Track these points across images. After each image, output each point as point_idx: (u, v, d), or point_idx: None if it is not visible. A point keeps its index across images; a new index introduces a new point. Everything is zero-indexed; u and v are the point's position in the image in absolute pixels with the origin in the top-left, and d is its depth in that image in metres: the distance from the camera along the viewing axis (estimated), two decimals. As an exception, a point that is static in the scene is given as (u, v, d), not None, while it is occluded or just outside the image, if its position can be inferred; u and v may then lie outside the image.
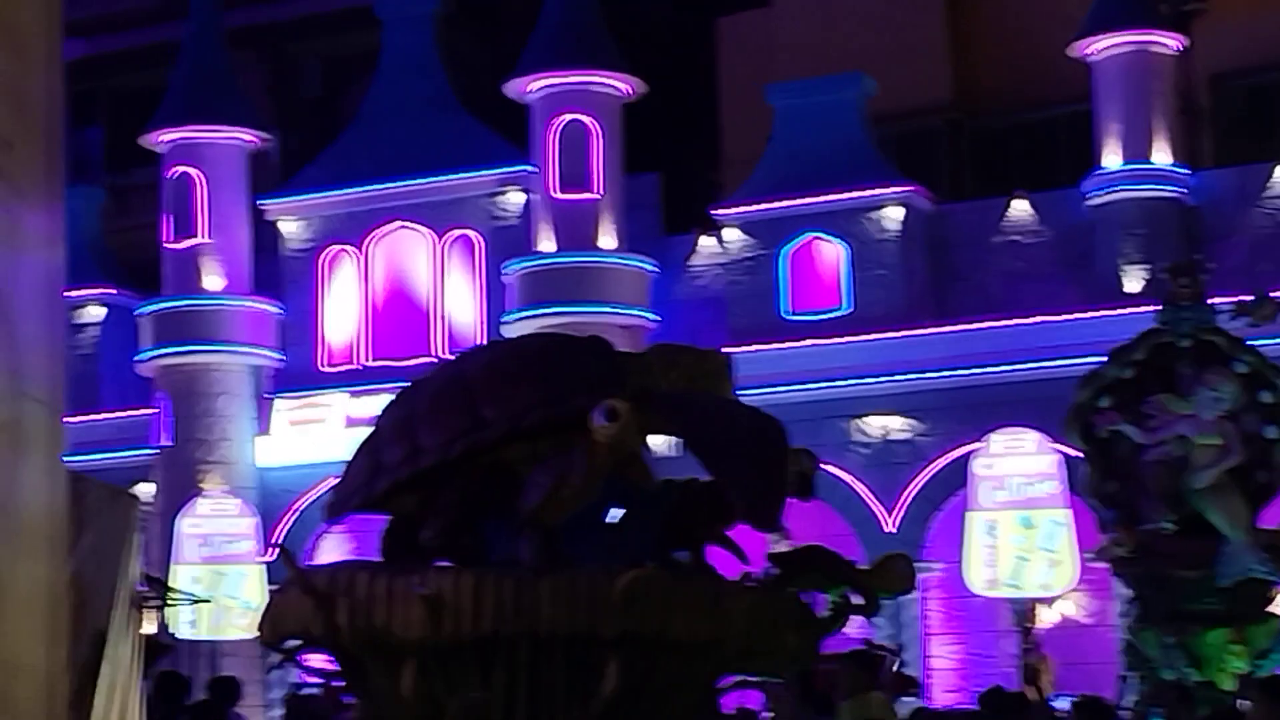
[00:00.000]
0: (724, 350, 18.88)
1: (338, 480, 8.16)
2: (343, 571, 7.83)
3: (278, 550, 7.90)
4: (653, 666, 7.29)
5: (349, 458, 8.35)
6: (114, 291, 22.92)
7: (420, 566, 7.51)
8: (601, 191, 20.32)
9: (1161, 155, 19.61)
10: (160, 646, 4.94)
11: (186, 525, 19.83)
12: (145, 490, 21.58)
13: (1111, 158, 19.61)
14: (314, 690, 15.89)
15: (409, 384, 9.19)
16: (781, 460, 7.26)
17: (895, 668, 15.38)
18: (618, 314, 19.30)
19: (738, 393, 19.51)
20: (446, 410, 7.56)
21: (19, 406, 3.31)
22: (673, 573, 7.46)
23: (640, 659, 7.20)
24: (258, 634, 8.26)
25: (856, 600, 8.40)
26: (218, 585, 19.45)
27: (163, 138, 21.96)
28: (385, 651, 7.49)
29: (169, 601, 5.82)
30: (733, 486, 7.34)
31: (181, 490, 20.64)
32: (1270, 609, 14.30)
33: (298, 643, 7.81)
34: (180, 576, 19.70)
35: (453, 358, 8.22)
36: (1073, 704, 13.40)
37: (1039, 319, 18.79)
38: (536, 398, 7.49)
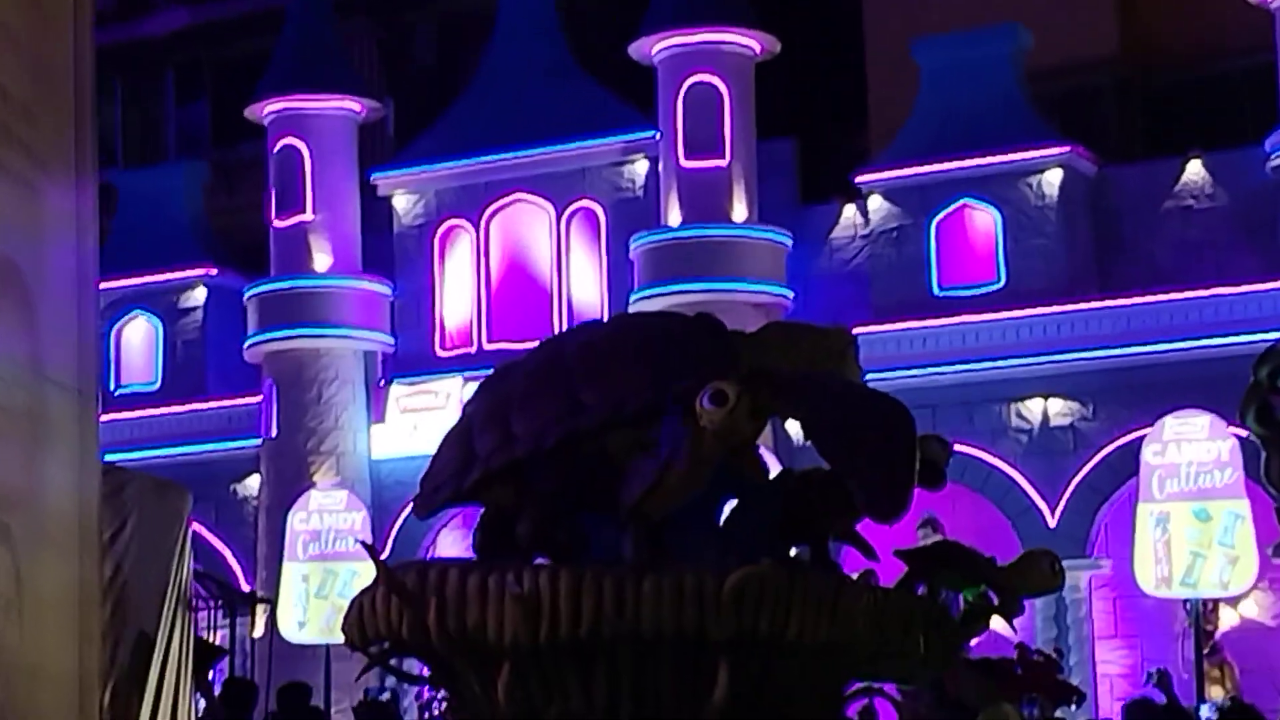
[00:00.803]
0: (859, 328, 18.88)
1: (425, 473, 8.19)
2: (432, 569, 7.83)
3: (364, 547, 7.91)
4: (768, 671, 7.21)
5: (437, 447, 8.39)
6: (218, 273, 23.16)
7: (515, 563, 7.49)
8: (732, 158, 20.23)
9: (1351, 111, 19.18)
10: (213, 650, 4.90)
11: (296, 521, 19.98)
12: (252, 484, 21.87)
13: (1298, 114, 19.23)
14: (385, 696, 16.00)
15: (502, 366, 9.20)
16: (907, 448, 7.14)
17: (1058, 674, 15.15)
18: (752, 291, 19.22)
19: (879, 374, 19.64)
20: (542, 395, 7.52)
21: (41, 393, 3.31)
22: (789, 570, 7.38)
23: (754, 663, 7.12)
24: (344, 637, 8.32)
25: (995, 601, 8.32)
26: (328, 584, 19.53)
27: (268, 109, 22.20)
28: (478, 655, 7.48)
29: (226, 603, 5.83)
30: (852, 476, 7.24)
31: (290, 483, 20.84)
32: None
33: (383, 646, 7.84)
34: (289, 575, 19.92)
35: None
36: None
37: (1214, 291, 18.48)
38: (640, 381, 7.42)
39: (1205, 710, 13.37)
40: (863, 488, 7.18)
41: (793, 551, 7.74)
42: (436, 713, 13.62)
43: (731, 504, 7.87)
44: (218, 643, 21.45)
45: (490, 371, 8.46)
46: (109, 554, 3.77)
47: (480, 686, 7.41)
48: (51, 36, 3.50)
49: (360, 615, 8.01)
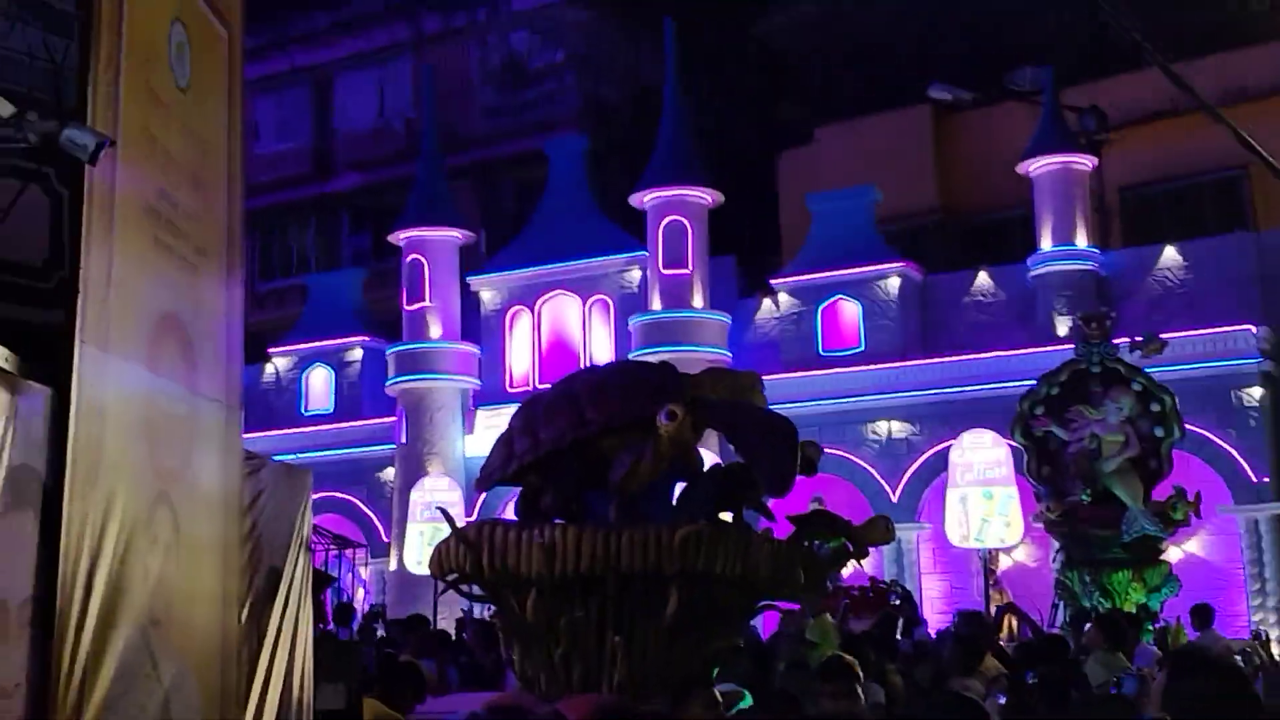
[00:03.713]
0: (771, 377, 18.30)
1: (482, 465, 7.89)
2: (486, 527, 7.54)
3: (442, 513, 7.59)
4: (702, 595, 6.94)
5: (490, 448, 8.05)
6: (370, 339, 23.00)
7: (540, 524, 7.21)
8: (694, 268, 20.01)
9: (1081, 240, 19.00)
10: (325, 578, 4.70)
11: (415, 496, 19.69)
12: (389, 473, 21.63)
13: (1046, 242, 19.05)
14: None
15: (533, 396, 8.85)
16: (791, 449, 6.89)
17: (896, 599, 14.82)
18: (705, 352, 18.98)
19: (783, 405, 18.98)
20: (559, 413, 7.26)
21: (195, 405, 3.11)
22: (717, 528, 7.11)
23: (693, 589, 6.86)
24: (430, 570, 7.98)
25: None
26: (436, 537, 19.34)
27: (404, 236, 22.00)
28: (515, 584, 7.19)
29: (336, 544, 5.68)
30: (757, 467, 6.98)
31: (413, 473, 20.56)
32: (1160, 557, 13.81)
33: (455, 576, 7.52)
34: (411, 531, 19.67)
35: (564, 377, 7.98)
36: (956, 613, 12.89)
37: (995, 354, 18.32)
38: (622, 404, 7.17)
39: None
40: (763, 475, 6.92)
41: (724, 515, 7.45)
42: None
43: (682, 485, 7.57)
44: (362, 576, 21.29)
45: (528, 399, 8.14)
46: (248, 513, 3.53)
47: (516, 604, 7.12)
48: (209, 163, 3.29)
49: (439, 556, 7.70)
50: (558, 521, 7.27)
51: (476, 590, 7.66)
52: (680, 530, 6.86)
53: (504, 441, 7.58)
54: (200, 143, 3.20)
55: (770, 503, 9.79)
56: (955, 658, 7.07)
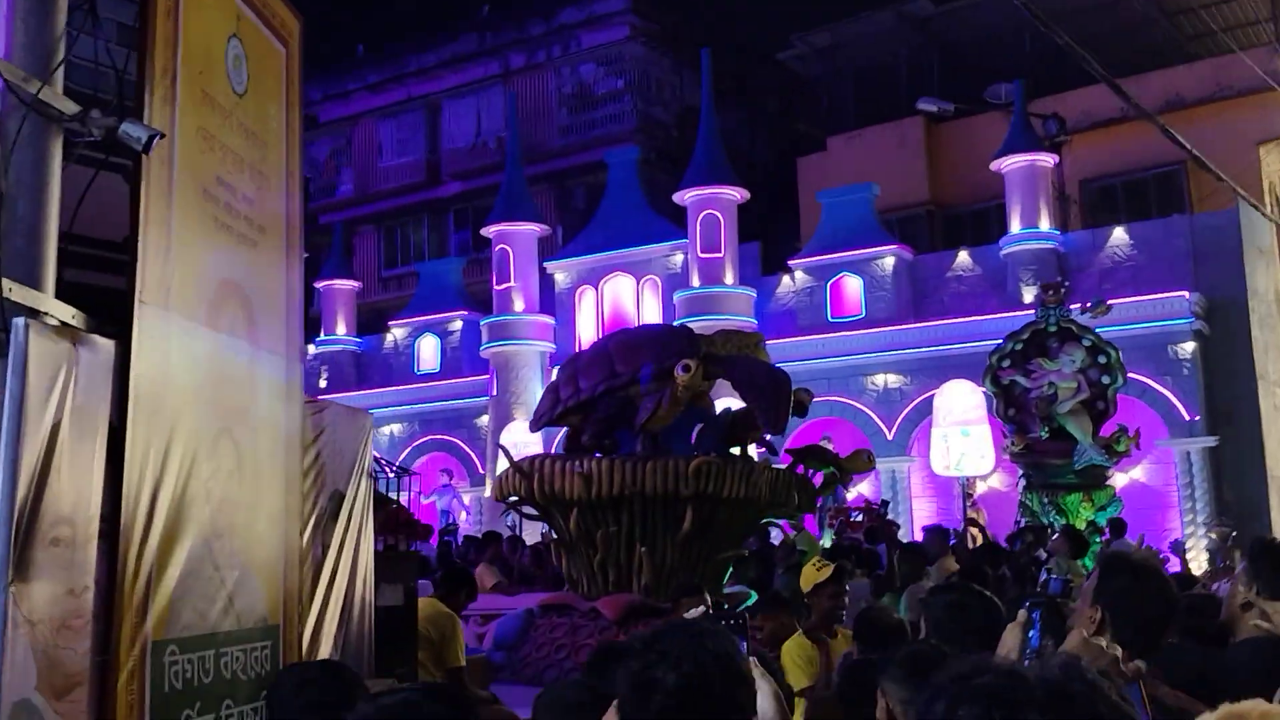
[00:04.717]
0: (792, 339, 17.88)
1: (537, 406, 7.72)
2: (538, 459, 7.42)
3: (502, 450, 7.53)
4: (712, 514, 6.80)
5: (540, 396, 7.84)
6: (468, 313, 22.95)
7: (581, 457, 7.07)
8: (725, 252, 19.71)
9: (1044, 224, 18.44)
10: (383, 500, 4.58)
11: (504, 438, 19.61)
12: (484, 420, 21.61)
13: (1015, 226, 18.51)
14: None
15: (576, 354, 8.66)
16: (786, 395, 6.70)
17: (885, 515, 14.50)
18: (735, 320, 18.64)
19: (802, 361, 18.48)
20: (595, 367, 7.13)
21: (256, 357, 3.00)
22: (725, 459, 6.94)
23: (705, 509, 6.72)
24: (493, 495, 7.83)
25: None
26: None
27: (494, 229, 21.90)
28: (560, 505, 7.09)
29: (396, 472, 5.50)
30: (758, 410, 6.80)
31: (502, 419, 20.53)
32: (1107, 483, 13.46)
33: (515, 499, 7.42)
34: (500, 466, 19.63)
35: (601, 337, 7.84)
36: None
37: (972, 319, 17.83)
38: (647, 359, 7.02)
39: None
40: (763, 416, 6.73)
41: (734, 450, 7.27)
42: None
43: (699, 426, 7.40)
44: (465, 502, 21.38)
45: (570, 356, 7.94)
46: (313, 446, 3.42)
47: (562, 521, 7.03)
48: (268, 157, 3.17)
49: (500, 483, 7.59)
50: (596, 455, 7.16)
51: (530, 510, 7.57)
52: (694, 461, 6.72)
53: (551, 390, 7.48)
54: (259, 141, 3.09)
55: (788, 442, 9.41)
56: (905, 564, 6.94)
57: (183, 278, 2.66)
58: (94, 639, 2.30)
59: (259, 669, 2.91)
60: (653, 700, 1.52)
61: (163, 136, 2.42)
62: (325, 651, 3.28)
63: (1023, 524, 13.38)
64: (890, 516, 14.64)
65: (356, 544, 3.66)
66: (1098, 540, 12.11)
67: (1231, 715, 1.27)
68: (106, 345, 2.40)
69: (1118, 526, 11.87)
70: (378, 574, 3.81)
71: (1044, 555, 9.77)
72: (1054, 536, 10.43)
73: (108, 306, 2.53)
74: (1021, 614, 2.21)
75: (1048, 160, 18.89)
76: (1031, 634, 2.10)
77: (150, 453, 2.52)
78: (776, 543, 9.90)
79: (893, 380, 18.65)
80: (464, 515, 21.23)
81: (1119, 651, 2.04)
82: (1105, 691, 0.95)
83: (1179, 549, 13.65)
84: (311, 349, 24.27)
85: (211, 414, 2.76)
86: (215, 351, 2.80)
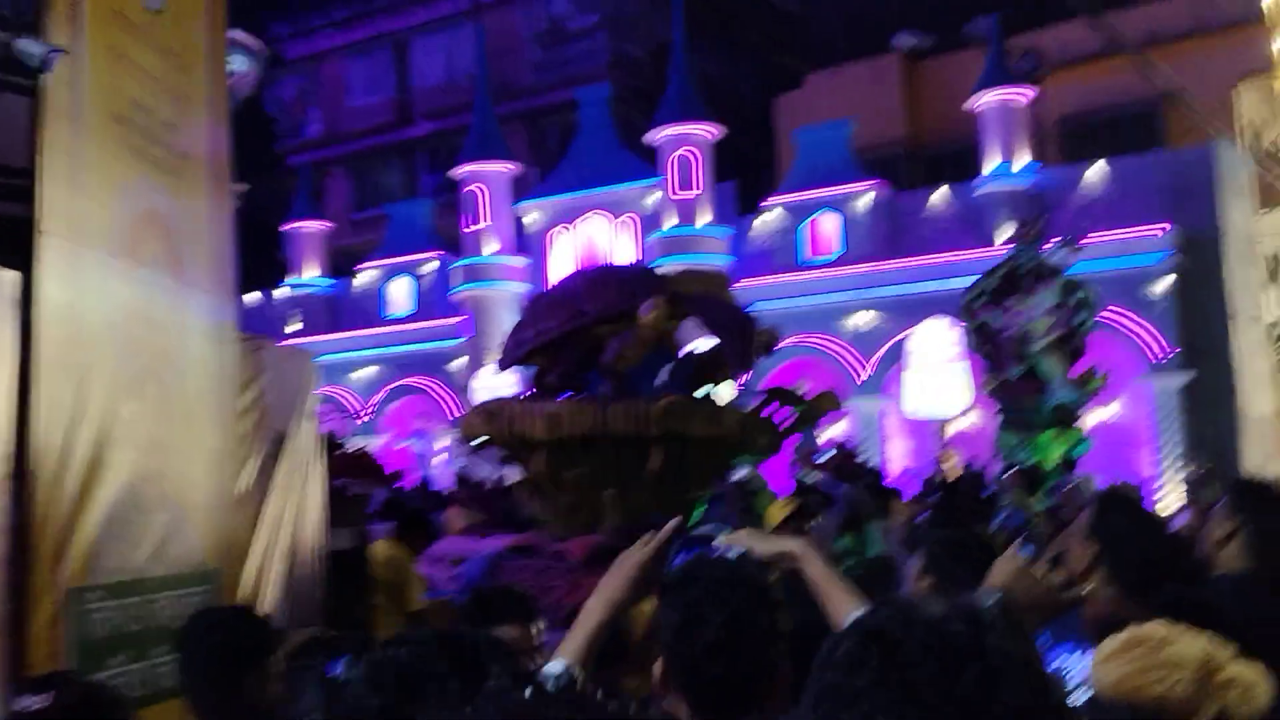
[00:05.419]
0: (766, 279, 17.83)
1: (501, 346, 7.61)
2: (504, 401, 7.32)
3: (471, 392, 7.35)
4: (681, 453, 6.73)
5: (506, 336, 7.74)
6: (440, 255, 22.66)
7: (547, 398, 6.98)
8: (701, 191, 19.48)
9: (1020, 162, 18.30)
10: (335, 442, 4.48)
11: (476, 383, 19.55)
12: (460, 362, 21.44)
13: (991, 164, 18.35)
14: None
15: (540, 292, 8.53)
16: (751, 334, 6.61)
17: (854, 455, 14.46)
18: (711, 260, 18.48)
19: (776, 300, 18.36)
20: (561, 305, 7.00)
21: (182, 294, 2.87)
22: (691, 399, 6.86)
23: (673, 449, 6.65)
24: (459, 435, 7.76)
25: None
26: (497, 413, 19.43)
27: (465, 170, 21.55)
28: (527, 445, 6.99)
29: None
30: (724, 349, 6.72)
31: (476, 363, 20.38)
32: (1077, 422, 13.49)
33: (481, 440, 7.32)
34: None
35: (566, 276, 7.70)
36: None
37: (947, 258, 17.72)
38: (612, 298, 6.90)
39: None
40: (730, 355, 6.65)
41: (701, 390, 7.20)
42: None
43: (668, 366, 7.29)
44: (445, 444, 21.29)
45: (535, 295, 7.82)
46: (251, 385, 3.29)
47: (529, 462, 6.95)
48: (189, 79, 3.00)
49: (465, 426, 7.50)
50: (563, 396, 7.07)
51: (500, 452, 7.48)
52: (661, 401, 6.64)
53: (516, 330, 7.35)
54: (180, 63, 2.92)
55: (763, 384, 9.33)
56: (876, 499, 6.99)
57: (94, 208, 2.51)
58: (4, 585, 2.20)
59: (195, 615, 2.84)
60: (699, 636, 1.58)
61: (64, 53, 2.27)
62: (270, 596, 3.20)
63: (996, 458, 13.43)
64: (861, 459, 14.64)
65: (303, 486, 3.55)
66: (1068, 478, 12.17)
67: (1134, 640, 1.33)
68: (9, 277, 2.27)
69: (1068, 463, 11.93)
70: (328, 518, 3.72)
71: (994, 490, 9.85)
72: (1010, 471, 10.53)
73: (12, 237, 2.39)
74: (1012, 548, 2.18)
75: (1022, 96, 18.71)
76: None
77: (64, 390, 2.40)
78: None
79: (869, 320, 18.55)
80: (443, 457, 21.18)
81: (1055, 580, 2.00)
82: (995, 636, 0.87)
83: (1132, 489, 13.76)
84: (285, 291, 23.99)
85: (134, 352, 2.63)
86: (135, 287, 2.66)
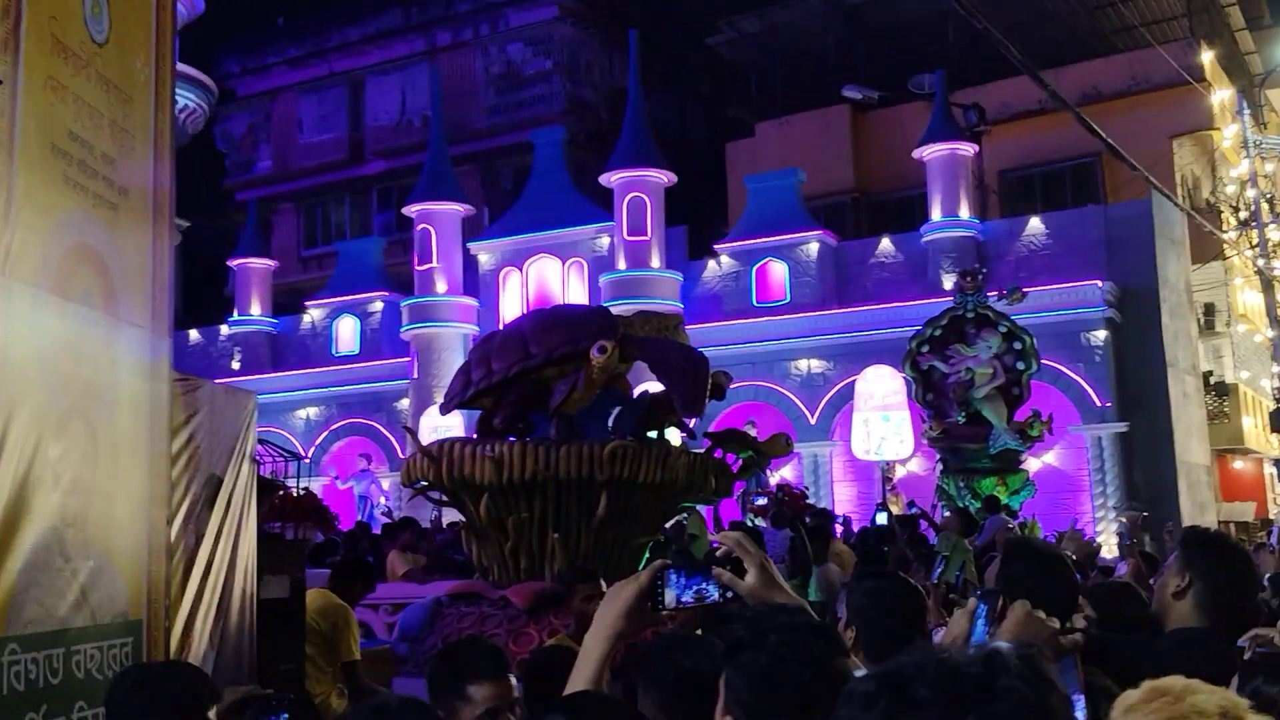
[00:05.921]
0: (715, 324, 17.95)
1: (448, 388, 7.49)
2: (447, 443, 7.21)
3: (409, 432, 7.25)
4: (629, 499, 6.66)
5: (452, 378, 7.63)
6: (388, 294, 22.48)
7: (492, 440, 6.87)
8: (652, 236, 19.58)
9: (964, 213, 18.68)
10: (271, 485, 4.33)
11: (424, 421, 19.30)
12: (405, 402, 21.18)
13: (935, 214, 18.71)
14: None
15: (489, 333, 8.45)
16: (704, 377, 6.58)
17: (805, 499, 14.55)
18: (661, 304, 18.52)
19: (726, 346, 18.47)
20: (509, 348, 6.93)
21: (117, 330, 2.76)
22: (641, 443, 6.80)
23: (621, 494, 6.58)
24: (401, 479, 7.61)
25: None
26: (443, 453, 19.12)
27: (416, 209, 21.45)
28: (470, 489, 6.88)
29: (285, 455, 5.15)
30: (675, 392, 6.68)
31: (423, 403, 20.14)
32: (1020, 467, 13.67)
33: (424, 484, 7.19)
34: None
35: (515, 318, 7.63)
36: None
37: (893, 305, 18.01)
38: (562, 340, 6.84)
39: (882, 517, 12.71)
40: (680, 399, 6.61)
41: (652, 434, 7.14)
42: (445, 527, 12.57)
43: (616, 409, 7.23)
44: (384, 487, 20.95)
45: (484, 336, 7.74)
46: (185, 427, 3.17)
47: (472, 506, 6.82)
48: (131, 112, 2.91)
49: (409, 467, 7.35)
50: (509, 439, 6.96)
51: (440, 496, 7.34)
52: (610, 445, 6.57)
53: (463, 371, 7.24)
54: (122, 95, 2.84)
55: (712, 427, 9.27)
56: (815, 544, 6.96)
57: (24, 240, 2.41)
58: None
59: (119, 668, 2.68)
60: (784, 692, 1.54)
61: (0, 83, 2.19)
62: (198, 648, 3.06)
63: (938, 505, 13.55)
64: (810, 501, 14.68)
65: (236, 532, 3.43)
66: (1011, 523, 12.29)
67: (1155, 691, 1.30)
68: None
69: (991, 504, 12.02)
70: (262, 564, 3.59)
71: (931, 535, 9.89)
72: (947, 514, 10.59)
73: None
74: (971, 601, 2.16)
75: (968, 149, 19.15)
76: (979, 624, 2.06)
77: (-17, 432, 2.29)
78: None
79: (816, 365, 18.73)
80: (383, 500, 20.82)
81: (1057, 623, 2.03)
82: (1009, 678, 0.88)
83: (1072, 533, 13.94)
84: (226, 329, 23.58)
85: (61, 390, 2.52)
86: (65, 323, 2.56)
